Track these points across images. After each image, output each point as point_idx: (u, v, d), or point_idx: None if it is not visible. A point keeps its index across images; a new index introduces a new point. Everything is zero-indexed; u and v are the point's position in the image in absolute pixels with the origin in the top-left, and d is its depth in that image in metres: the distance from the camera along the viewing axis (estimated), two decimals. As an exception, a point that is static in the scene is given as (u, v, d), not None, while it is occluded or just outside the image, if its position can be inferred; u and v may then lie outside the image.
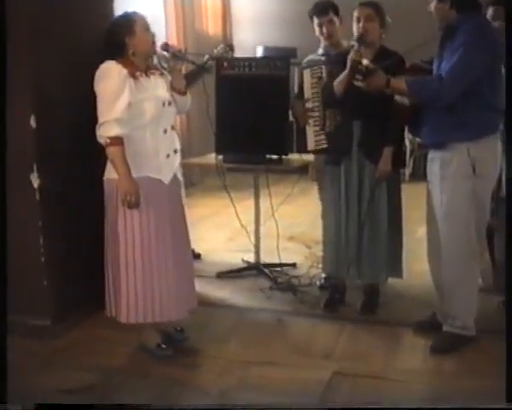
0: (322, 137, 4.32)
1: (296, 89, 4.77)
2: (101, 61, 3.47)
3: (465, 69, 3.47)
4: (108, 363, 3.70)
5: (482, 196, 3.65)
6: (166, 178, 3.60)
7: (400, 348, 3.88)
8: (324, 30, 4.58)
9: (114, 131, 3.38)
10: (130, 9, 3.70)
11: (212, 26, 9.56)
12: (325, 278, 4.76)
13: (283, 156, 4.90)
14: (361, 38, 3.97)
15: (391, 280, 4.38)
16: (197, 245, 5.20)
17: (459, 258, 3.68)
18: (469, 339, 3.76)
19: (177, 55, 3.65)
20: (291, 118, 4.87)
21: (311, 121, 4.36)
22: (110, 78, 3.40)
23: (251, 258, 5.25)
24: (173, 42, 7.73)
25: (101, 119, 3.41)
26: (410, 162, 8.48)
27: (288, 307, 4.51)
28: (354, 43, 3.94)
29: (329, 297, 4.46)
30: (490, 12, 4.25)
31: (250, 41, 9.15)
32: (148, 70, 3.56)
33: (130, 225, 3.50)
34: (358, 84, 3.74)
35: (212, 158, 5.09)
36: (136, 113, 3.45)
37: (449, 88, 3.49)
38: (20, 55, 3.68)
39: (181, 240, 3.72)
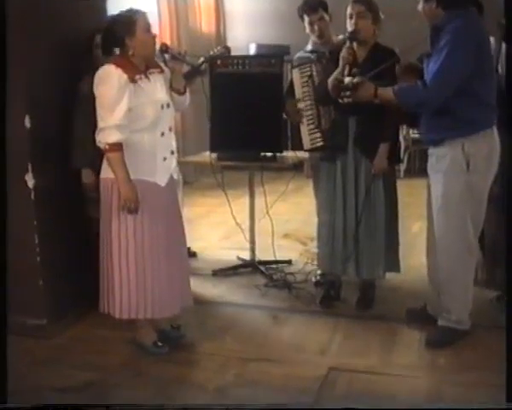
0: (318, 135, 4.32)
1: (287, 87, 4.76)
2: (101, 60, 3.46)
3: (449, 72, 3.46)
4: (105, 361, 3.70)
5: (478, 191, 3.65)
6: (162, 181, 3.60)
7: (396, 343, 3.88)
8: (316, 27, 4.56)
9: (114, 137, 3.38)
10: (123, 7, 3.55)
11: (206, 24, 9.57)
12: (320, 275, 4.77)
13: (278, 154, 4.91)
14: (353, 36, 3.98)
15: (386, 275, 4.39)
16: (193, 244, 5.21)
17: (453, 252, 3.69)
18: (464, 333, 3.78)
19: (176, 57, 3.62)
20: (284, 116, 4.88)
21: (304, 120, 4.36)
22: (110, 83, 3.38)
23: (246, 255, 5.26)
24: (166, 39, 7.74)
25: (100, 124, 3.41)
26: (404, 159, 8.49)
27: (284, 303, 4.52)
28: (346, 40, 3.95)
29: (325, 293, 4.47)
30: None
31: (243, 39, 9.16)
32: (147, 70, 3.53)
33: (124, 224, 3.51)
34: (345, 100, 3.75)
35: (206, 156, 5.09)
36: (135, 117, 3.43)
37: (435, 94, 3.51)
38: (15, 56, 3.67)
39: (176, 239, 3.73)
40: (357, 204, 4.18)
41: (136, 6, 3.56)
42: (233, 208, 5.12)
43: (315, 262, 4.87)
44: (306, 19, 4.59)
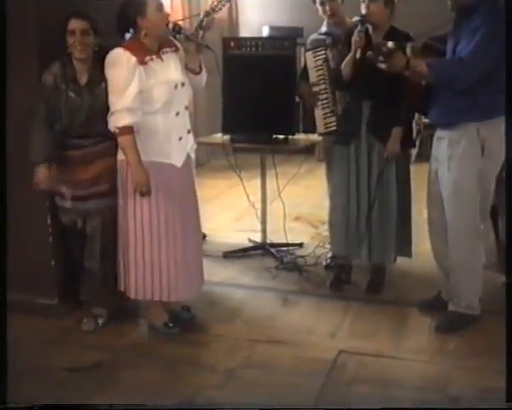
0: (332, 119, 4.31)
1: (300, 70, 4.74)
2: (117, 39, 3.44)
3: (486, 52, 3.41)
4: (115, 341, 3.73)
5: (488, 176, 3.64)
6: (178, 162, 3.60)
7: (406, 327, 3.89)
8: (327, 8, 4.50)
9: (124, 120, 3.38)
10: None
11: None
12: (331, 258, 4.77)
13: (290, 136, 4.90)
14: (364, 19, 3.94)
15: (397, 259, 4.38)
16: (203, 225, 5.20)
17: (465, 237, 3.68)
18: (474, 318, 3.77)
19: (189, 38, 3.58)
20: (297, 99, 4.86)
21: (319, 104, 4.35)
22: (119, 67, 3.39)
23: (257, 238, 5.27)
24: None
25: (112, 108, 3.42)
26: (416, 143, 8.42)
27: (294, 286, 4.52)
28: (358, 23, 3.92)
29: (335, 277, 4.48)
30: None
31: (256, 21, 9.09)
32: (161, 49, 3.51)
33: (140, 206, 3.53)
34: (381, 66, 3.65)
35: (218, 138, 5.09)
36: (147, 99, 3.43)
37: (471, 71, 3.45)
38: (16, 50, 3.60)
39: (191, 221, 3.74)
40: (370, 188, 4.17)
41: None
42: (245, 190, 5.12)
43: (326, 245, 4.86)
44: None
